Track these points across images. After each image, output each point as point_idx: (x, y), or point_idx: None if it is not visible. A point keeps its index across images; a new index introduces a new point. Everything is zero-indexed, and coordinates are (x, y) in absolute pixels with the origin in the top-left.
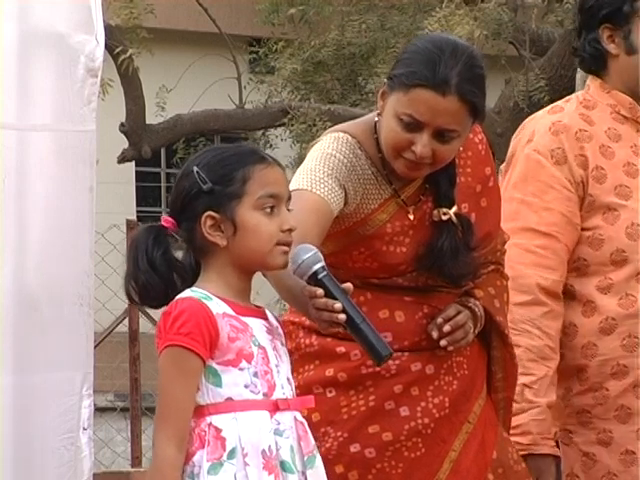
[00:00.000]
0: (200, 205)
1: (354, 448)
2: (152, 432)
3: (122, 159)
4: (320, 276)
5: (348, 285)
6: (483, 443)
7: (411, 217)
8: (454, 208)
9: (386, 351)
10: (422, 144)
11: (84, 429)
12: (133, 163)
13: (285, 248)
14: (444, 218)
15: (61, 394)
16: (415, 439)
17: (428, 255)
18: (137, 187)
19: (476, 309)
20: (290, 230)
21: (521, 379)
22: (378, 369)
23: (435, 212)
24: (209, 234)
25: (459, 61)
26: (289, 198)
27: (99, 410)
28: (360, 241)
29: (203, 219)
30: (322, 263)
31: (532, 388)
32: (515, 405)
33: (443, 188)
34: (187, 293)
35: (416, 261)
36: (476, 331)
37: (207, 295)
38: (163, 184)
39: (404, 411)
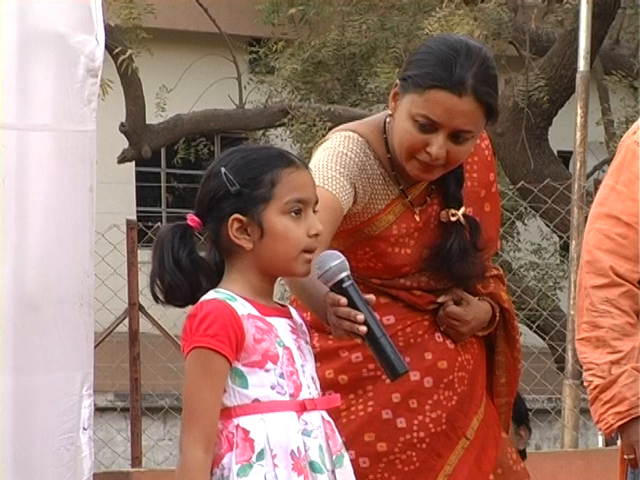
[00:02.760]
0: (227, 207)
1: (349, 456)
2: (151, 429)
3: (122, 159)
4: (345, 285)
5: (371, 297)
6: (480, 458)
7: (417, 218)
8: (462, 209)
9: (403, 369)
10: (438, 145)
11: (84, 429)
12: (133, 163)
13: (310, 256)
14: (453, 219)
15: (61, 394)
16: (409, 452)
17: (436, 256)
18: (137, 187)
19: (496, 312)
20: (317, 235)
21: (607, 357)
22: (379, 372)
23: (443, 213)
24: (235, 237)
25: (474, 62)
26: (316, 202)
27: (99, 410)
28: (365, 241)
29: (230, 222)
30: (348, 272)
31: (619, 364)
32: (602, 381)
33: (451, 189)
34: (211, 294)
35: (424, 262)
36: (485, 332)
37: (231, 296)
38: (163, 184)
39: (400, 423)
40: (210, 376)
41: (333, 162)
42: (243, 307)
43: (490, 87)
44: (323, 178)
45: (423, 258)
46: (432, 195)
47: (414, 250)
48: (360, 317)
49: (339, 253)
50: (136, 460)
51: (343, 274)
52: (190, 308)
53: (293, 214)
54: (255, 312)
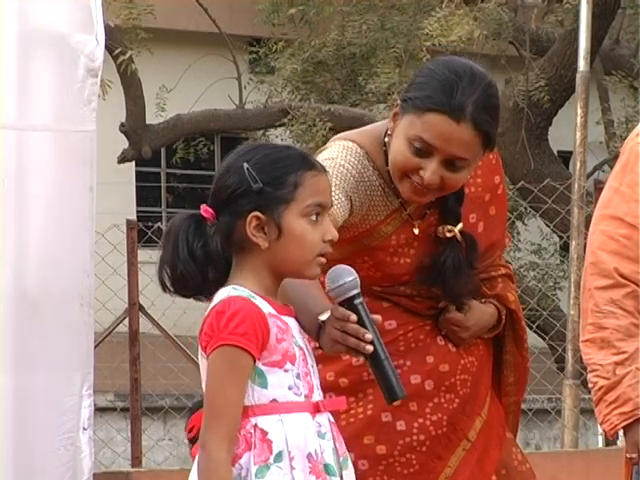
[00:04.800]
0: (247, 204)
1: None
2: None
3: (122, 159)
4: (356, 302)
5: (377, 317)
6: (482, 460)
7: (416, 231)
8: (459, 225)
9: (402, 393)
10: (431, 171)
11: (84, 429)
12: (133, 163)
13: (323, 260)
14: (449, 235)
15: (61, 394)
16: (409, 455)
17: (431, 270)
18: (137, 187)
19: (502, 315)
20: (331, 241)
21: (612, 358)
22: None
23: (440, 229)
24: (253, 234)
25: (476, 89)
26: (331, 206)
27: (99, 410)
28: (364, 251)
29: (249, 218)
30: (359, 289)
31: (624, 364)
32: (607, 382)
33: (450, 204)
34: (231, 292)
35: (418, 275)
36: (490, 334)
37: (251, 294)
38: (163, 184)
39: (400, 425)
40: (236, 374)
41: (329, 174)
42: (263, 305)
43: (490, 116)
44: None
45: (419, 271)
46: (431, 209)
47: (414, 259)
48: (368, 336)
49: (352, 269)
50: (136, 460)
51: (355, 291)
52: (213, 305)
53: (313, 217)
54: (273, 311)
